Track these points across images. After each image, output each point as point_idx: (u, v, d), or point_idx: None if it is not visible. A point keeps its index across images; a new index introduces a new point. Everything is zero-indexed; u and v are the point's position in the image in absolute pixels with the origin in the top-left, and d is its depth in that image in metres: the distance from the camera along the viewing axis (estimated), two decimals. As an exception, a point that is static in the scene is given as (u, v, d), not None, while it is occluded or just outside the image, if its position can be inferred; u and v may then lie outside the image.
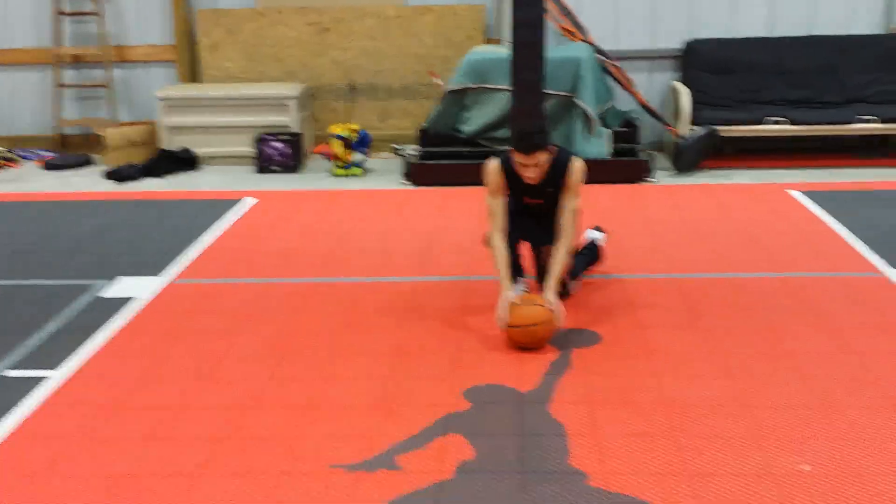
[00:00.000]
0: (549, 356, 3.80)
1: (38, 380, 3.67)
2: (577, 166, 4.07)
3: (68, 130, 8.43)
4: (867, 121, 7.03)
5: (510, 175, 4.10)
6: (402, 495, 2.81)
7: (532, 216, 4.29)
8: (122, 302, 4.52)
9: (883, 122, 7.03)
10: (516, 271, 4.33)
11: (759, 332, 4.00)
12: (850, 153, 7.53)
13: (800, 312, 4.20)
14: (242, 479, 2.93)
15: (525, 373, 3.65)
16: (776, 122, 7.08)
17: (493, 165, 4.16)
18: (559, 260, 4.07)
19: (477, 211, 6.06)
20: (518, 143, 3.93)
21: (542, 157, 3.94)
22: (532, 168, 3.95)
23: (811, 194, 6.26)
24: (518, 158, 3.95)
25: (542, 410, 3.33)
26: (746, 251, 5.10)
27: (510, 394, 3.47)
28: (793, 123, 7.09)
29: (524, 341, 3.86)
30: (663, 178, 6.94)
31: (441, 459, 3.01)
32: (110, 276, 4.91)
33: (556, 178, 4.07)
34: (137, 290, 4.69)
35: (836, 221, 5.59)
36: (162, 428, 3.27)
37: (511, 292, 3.97)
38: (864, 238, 5.24)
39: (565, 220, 4.10)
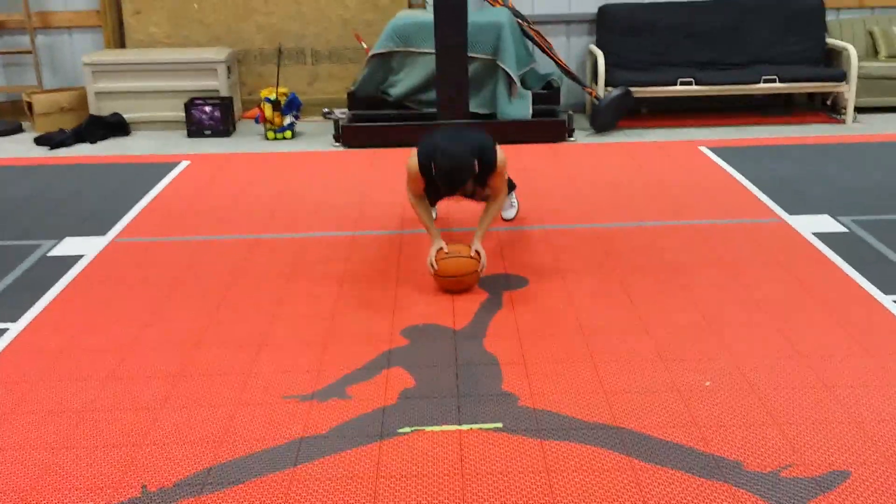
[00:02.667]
0: (481, 298, 4.13)
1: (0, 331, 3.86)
2: (499, 164, 4.15)
3: (-7, 97, 8.43)
4: (770, 80, 7.48)
5: (429, 177, 4.17)
6: (352, 419, 3.11)
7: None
8: (71, 259, 4.70)
9: (784, 81, 7.50)
10: None
11: (662, 269, 4.42)
12: (758, 111, 8.03)
13: (701, 252, 4.62)
14: (201, 409, 3.19)
15: (459, 313, 3.97)
16: (684, 84, 7.49)
17: (414, 170, 4.19)
18: (490, 214, 4.36)
19: (405, 169, 6.34)
20: (447, 184, 3.98)
21: (470, 184, 4.15)
22: (460, 194, 4.27)
23: (720, 150, 6.69)
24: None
25: (476, 344, 3.66)
26: (659, 202, 5.49)
27: (446, 331, 3.79)
28: (701, 84, 7.51)
29: (453, 288, 4.20)
30: (582, 138, 7.31)
31: (385, 388, 3.32)
32: (56, 236, 5.06)
33: (481, 180, 4.23)
34: (85, 248, 4.87)
35: (742, 176, 6.02)
36: (120, 368, 3.51)
37: (439, 242, 4.25)
38: (767, 189, 5.68)
39: (494, 195, 4.35)
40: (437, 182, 4.07)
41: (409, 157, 4.24)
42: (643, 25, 7.92)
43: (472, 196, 4.49)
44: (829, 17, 8.08)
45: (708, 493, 2.67)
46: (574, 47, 8.28)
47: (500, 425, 3.05)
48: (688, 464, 2.81)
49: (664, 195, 5.63)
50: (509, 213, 5.18)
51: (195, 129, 7.56)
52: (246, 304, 4.10)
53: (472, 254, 4.22)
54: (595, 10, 8.09)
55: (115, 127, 7.63)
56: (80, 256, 4.75)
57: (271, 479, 2.79)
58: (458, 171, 3.93)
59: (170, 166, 6.58)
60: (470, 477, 2.77)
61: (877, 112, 7.85)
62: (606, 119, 7.43)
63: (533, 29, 7.54)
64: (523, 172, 5.99)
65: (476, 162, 3.99)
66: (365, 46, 7.70)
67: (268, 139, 7.43)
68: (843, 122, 7.56)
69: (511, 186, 5.13)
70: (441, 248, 4.22)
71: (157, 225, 5.26)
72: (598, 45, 7.93)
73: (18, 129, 7.88)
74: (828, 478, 2.72)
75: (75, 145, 7.36)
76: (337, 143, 7.23)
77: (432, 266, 4.18)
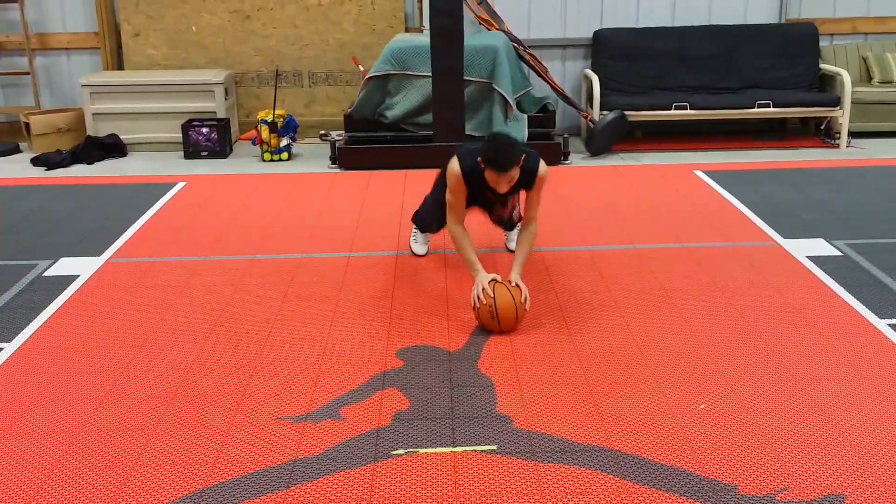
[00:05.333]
0: (476, 321, 4.12)
1: (-7, 351, 3.86)
2: (542, 172, 4.11)
3: (-10, 118, 8.46)
4: (764, 105, 7.52)
5: (472, 181, 4.08)
6: (345, 440, 3.10)
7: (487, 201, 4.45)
8: (66, 280, 4.70)
9: (778, 106, 7.54)
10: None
11: (657, 291, 4.43)
12: (752, 136, 8.08)
13: (695, 276, 4.62)
14: (194, 431, 3.18)
15: (453, 335, 3.97)
16: (679, 108, 7.53)
17: (455, 173, 4.07)
18: (525, 246, 4.22)
19: (401, 191, 6.37)
20: (495, 161, 3.84)
21: (516, 172, 3.92)
22: (505, 183, 3.93)
23: (715, 174, 6.72)
24: (492, 176, 3.91)
25: (471, 366, 3.65)
26: (653, 226, 5.51)
27: (440, 353, 3.79)
28: (695, 108, 7.55)
29: (497, 329, 3.99)
30: (577, 161, 7.34)
31: (379, 409, 3.31)
32: (51, 256, 5.07)
33: (521, 182, 4.12)
34: (80, 268, 4.87)
35: (736, 199, 6.04)
36: (114, 389, 3.50)
37: (488, 274, 4.06)
38: (762, 213, 5.71)
39: (530, 213, 4.22)
40: (478, 183, 4.03)
41: (449, 165, 4.12)
42: (638, 50, 7.96)
43: (504, 203, 4.40)
44: (823, 42, 8.14)
45: (702, 516, 2.66)
46: (569, 71, 8.33)
47: (494, 447, 3.04)
48: (683, 487, 2.80)
49: (659, 218, 5.65)
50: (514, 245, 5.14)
51: (192, 150, 7.58)
52: (241, 325, 4.10)
53: (514, 288, 4.03)
54: (590, 35, 8.15)
55: (112, 148, 7.65)
56: (76, 277, 4.75)
57: (264, 500, 2.78)
58: (507, 152, 3.83)
59: (166, 187, 6.59)
60: (464, 499, 2.76)
61: (870, 137, 7.90)
62: (601, 142, 7.46)
63: (529, 53, 7.60)
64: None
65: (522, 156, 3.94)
66: (362, 69, 7.74)
67: (264, 161, 7.45)
68: (837, 146, 7.60)
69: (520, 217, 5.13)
70: (495, 280, 4.02)
71: (152, 246, 5.27)
72: (594, 70, 7.98)
73: (16, 150, 7.91)
74: (823, 502, 2.72)
75: (72, 166, 7.37)
76: (333, 165, 7.25)
77: (478, 300, 3.97)
